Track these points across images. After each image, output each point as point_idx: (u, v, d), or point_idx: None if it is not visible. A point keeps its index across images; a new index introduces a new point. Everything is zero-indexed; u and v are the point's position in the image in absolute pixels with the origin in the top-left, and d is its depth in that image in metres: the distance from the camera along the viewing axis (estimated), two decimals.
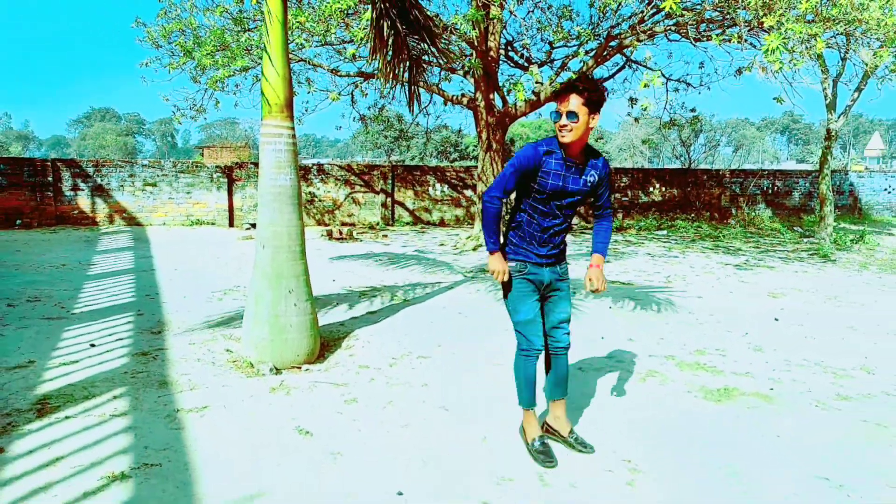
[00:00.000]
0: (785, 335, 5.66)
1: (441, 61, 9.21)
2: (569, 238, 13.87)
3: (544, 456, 3.10)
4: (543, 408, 3.60)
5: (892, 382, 4.41)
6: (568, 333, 3.27)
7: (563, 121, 2.89)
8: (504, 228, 3.22)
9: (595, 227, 3.34)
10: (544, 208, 3.06)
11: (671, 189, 17.71)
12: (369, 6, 8.40)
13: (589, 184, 3.06)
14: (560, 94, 2.92)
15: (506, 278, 3.09)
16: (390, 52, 4.96)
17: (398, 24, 4.90)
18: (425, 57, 5.58)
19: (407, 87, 5.39)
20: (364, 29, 8.64)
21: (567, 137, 2.90)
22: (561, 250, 3.21)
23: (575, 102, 2.87)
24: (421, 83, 5.68)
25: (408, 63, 5.19)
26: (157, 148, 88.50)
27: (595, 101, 2.90)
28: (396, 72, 5.11)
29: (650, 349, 5.12)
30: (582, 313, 6.36)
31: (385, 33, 4.89)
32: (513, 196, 3.19)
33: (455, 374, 4.43)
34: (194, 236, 12.96)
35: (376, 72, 11.70)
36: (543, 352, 3.25)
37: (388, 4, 4.82)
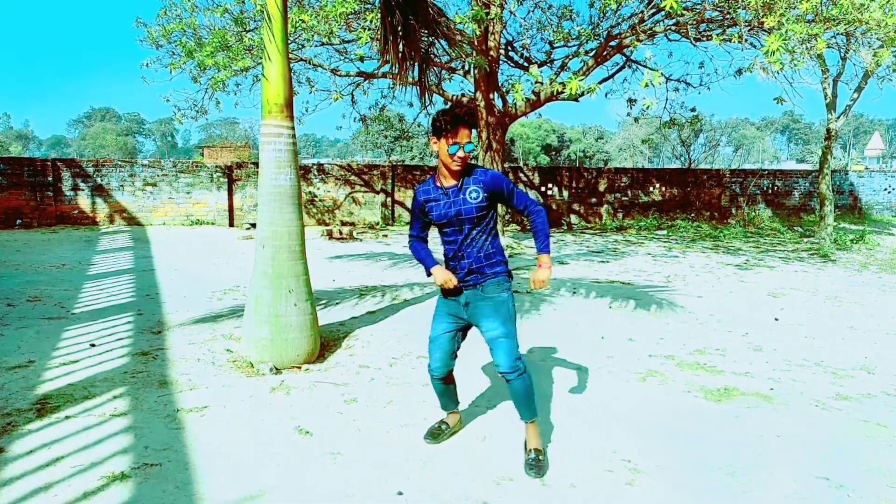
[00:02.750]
0: (785, 335, 5.66)
1: (451, 54, 9.19)
2: (568, 237, 13.87)
3: (428, 433, 3.36)
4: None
5: (892, 382, 4.41)
6: (508, 354, 2.98)
7: (461, 153, 2.93)
8: None
9: (532, 230, 3.13)
10: (444, 237, 3.14)
11: (671, 189, 17.71)
12: (374, 4, 8.41)
13: (472, 200, 3.00)
14: (450, 128, 2.92)
15: (455, 282, 3.08)
16: (402, 48, 4.95)
17: (405, 18, 4.89)
18: (430, 51, 5.57)
19: (418, 83, 5.42)
20: (367, 30, 8.64)
21: (461, 165, 2.98)
22: (481, 277, 3.06)
23: (466, 134, 2.93)
24: (430, 82, 5.67)
25: (416, 61, 5.19)
26: (157, 148, 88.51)
27: (474, 121, 2.99)
28: (408, 66, 5.10)
29: (650, 349, 5.12)
30: (582, 313, 6.36)
31: (396, 28, 4.87)
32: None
33: (455, 373, 4.42)
34: (194, 236, 12.96)
35: (380, 72, 11.71)
36: (443, 377, 3.23)
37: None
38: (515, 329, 3.09)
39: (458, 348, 3.26)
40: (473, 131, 2.97)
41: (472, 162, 3.02)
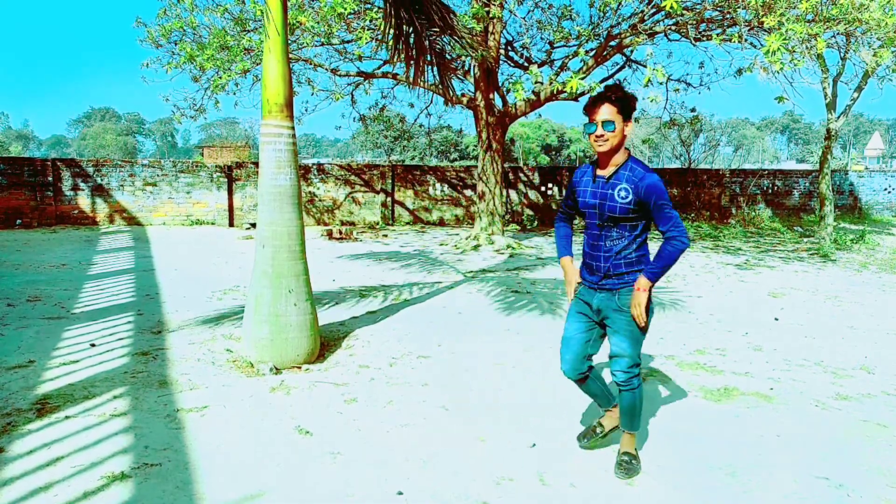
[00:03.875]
0: (785, 335, 5.66)
1: (463, 52, 9.18)
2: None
3: (582, 434, 3.26)
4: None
5: (892, 382, 4.41)
6: (625, 372, 2.93)
7: (599, 130, 2.78)
8: None
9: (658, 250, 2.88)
10: (587, 229, 3.00)
11: (671, 189, 17.70)
12: (373, 4, 8.39)
13: (620, 199, 2.79)
14: (592, 106, 2.82)
15: (571, 292, 3.08)
16: (413, 48, 4.95)
17: (414, 18, 4.88)
18: (444, 50, 5.58)
19: (439, 80, 5.43)
20: (367, 30, 8.64)
21: (604, 147, 2.81)
22: (619, 282, 2.90)
23: (610, 111, 2.77)
24: (445, 81, 5.67)
25: (430, 61, 5.20)
26: (157, 148, 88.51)
27: (626, 106, 2.80)
28: (421, 66, 5.10)
29: (650, 349, 5.12)
30: None
31: (401, 29, 4.87)
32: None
33: (455, 373, 4.43)
34: (194, 236, 12.96)
35: (380, 71, 11.70)
36: (578, 380, 3.11)
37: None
38: (641, 346, 2.98)
39: (596, 351, 3.09)
40: (609, 108, 2.75)
41: (636, 157, 2.88)
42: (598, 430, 3.23)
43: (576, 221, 3.36)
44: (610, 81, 12.16)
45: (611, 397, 3.22)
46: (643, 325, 2.88)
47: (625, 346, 2.92)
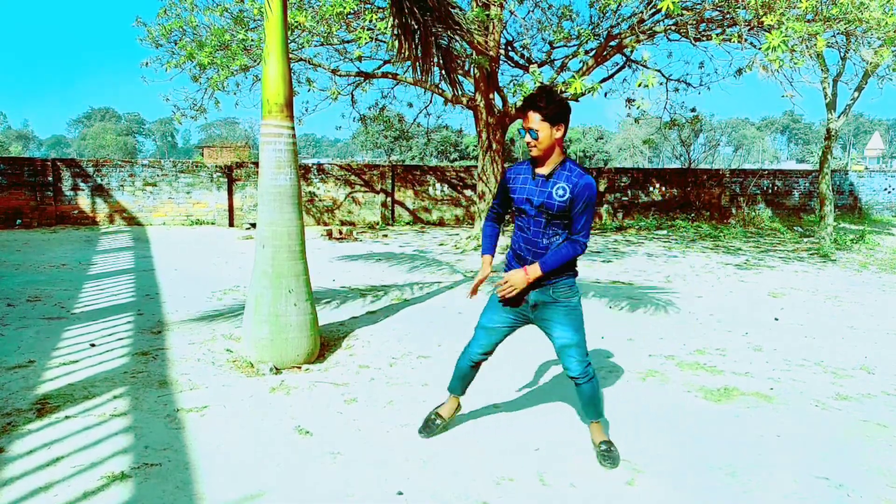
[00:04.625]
0: (785, 335, 5.66)
1: (470, 45, 9.18)
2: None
3: (423, 426, 3.39)
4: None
5: (892, 382, 4.41)
6: (579, 362, 3.03)
7: (528, 137, 2.90)
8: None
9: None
10: (519, 221, 3.10)
11: (671, 189, 17.71)
12: (373, 4, 8.38)
13: (557, 197, 2.89)
14: (521, 111, 2.96)
15: (481, 282, 3.16)
16: (417, 46, 4.95)
17: (420, 16, 4.88)
18: (451, 46, 5.58)
19: (447, 76, 5.44)
20: (367, 30, 8.63)
21: (533, 152, 2.93)
22: (553, 276, 3.01)
23: (535, 119, 2.87)
24: (456, 71, 5.68)
25: (438, 62, 5.20)
26: (157, 148, 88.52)
27: (553, 114, 2.86)
28: (430, 64, 5.10)
29: (650, 349, 5.12)
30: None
31: (411, 27, 4.87)
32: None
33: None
34: (194, 236, 12.96)
35: (379, 71, 11.70)
36: (477, 363, 3.25)
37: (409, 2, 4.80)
38: (585, 334, 3.09)
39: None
40: (535, 116, 2.85)
41: (573, 159, 2.99)
42: (439, 421, 3.39)
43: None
44: (609, 82, 12.18)
45: (466, 389, 3.39)
46: (501, 294, 3.03)
47: (569, 333, 3.03)
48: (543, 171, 2.97)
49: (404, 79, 11.74)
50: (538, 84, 9.89)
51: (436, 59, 5.21)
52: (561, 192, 2.90)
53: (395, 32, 4.92)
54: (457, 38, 5.51)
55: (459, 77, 11.63)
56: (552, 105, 2.86)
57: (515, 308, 3.12)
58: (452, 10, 5.01)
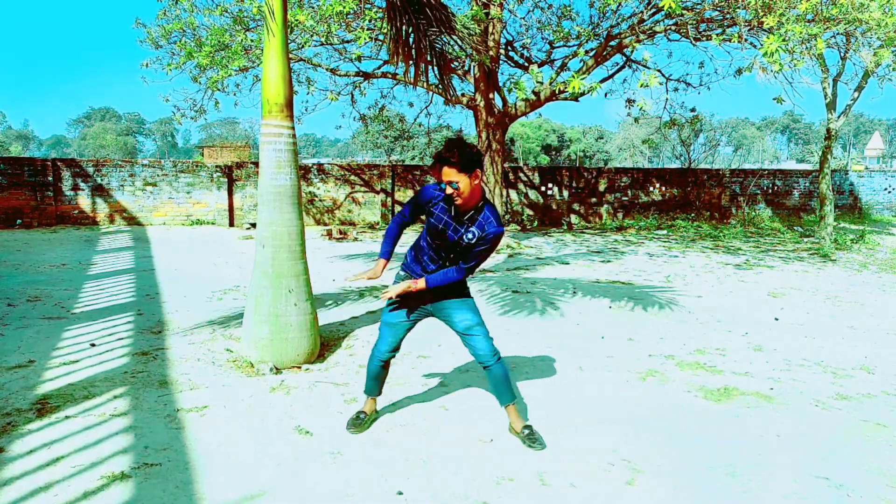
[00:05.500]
0: (785, 335, 5.66)
1: (465, 49, 9.20)
2: (568, 237, 13.87)
3: (350, 423, 3.49)
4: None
5: (892, 382, 4.42)
6: (485, 338, 3.27)
7: (448, 190, 3.05)
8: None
9: (447, 268, 3.29)
10: (431, 240, 3.27)
11: (671, 189, 17.70)
12: (382, 2, 8.37)
13: (466, 240, 3.15)
14: (433, 168, 3.10)
15: (367, 279, 3.36)
16: (412, 48, 4.95)
17: (414, 18, 4.88)
18: (445, 49, 5.58)
19: (440, 79, 5.45)
20: (366, 30, 8.63)
21: (458, 201, 3.08)
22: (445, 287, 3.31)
23: (451, 172, 3.01)
24: (446, 81, 5.69)
25: (431, 62, 5.20)
26: (157, 148, 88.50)
27: (467, 163, 3.00)
28: (422, 67, 5.10)
29: (650, 349, 5.12)
30: (582, 313, 6.36)
31: (403, 30, 4.87)
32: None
33: (455, 373, 4.43)
34: (194, 236, 12.96)
35: (379, 71, 11.71)
36: (386, 361, 3.46)
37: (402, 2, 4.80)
38: (483, 321, 3.34)
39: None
40: (450, 170, 3.01)
41: (490, 205, 3.22)
42: (363, 416, 3.52)
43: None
44: (609, 82, 12.17)
45: (382, 387, 3.58)
46: (388, 297, 3.27)
47: (469, 315, 3.29)
48: (462, 213, 3.16)
49: (404, 79, 11.75)
50: (538, 82, 9.89)
51: (430, 61, 5.21)
52: (470, 236, 3.16)
53: (392, 35, 4.92)
54: (452, 40, 5.49)
55: (459, 76, 11.66)
56: (463, 157, 2.99)
57: (409, 307, 3.37)
58: (438, 13, 5.00)
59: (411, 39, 4.95)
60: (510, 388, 3.34)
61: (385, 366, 3.49)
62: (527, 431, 3.32)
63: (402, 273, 3.43)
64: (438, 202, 3.20)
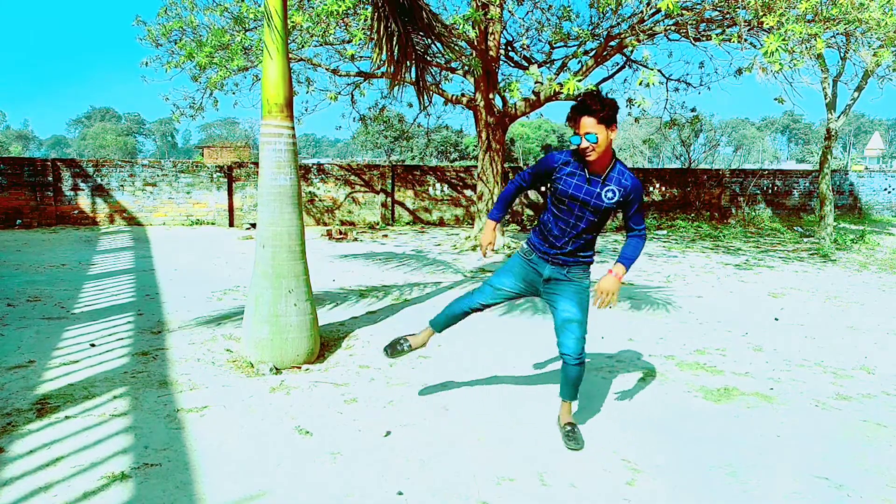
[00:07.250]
0: (785, 335, 5.66)
1: (446, 56, 9.23)
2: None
3: (389, 346, 3.66)
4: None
5: (892, 382, 4.42)
6: (578, 339, 3.21)
7: (584, 143, 2.94)
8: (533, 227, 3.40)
9: (626, 242, 3.28)
10: (558, 212, 3.18)
11: (671, 189, 17.70)
12: (369, 6, 8.39)
13: (606, 199, 3.06)
14: (570, 120, 2.98)
15: (486, 254, 3.34)
16: (396, 51, 4.97)
17: (399, 22, 4.90)
18: (427, 53, 5.59)
19: (415, 83, 5.45)
20: (363, 30, 8.63)
21: (591, 157, 2.98)
22: (573, 259, 3.23)
23: (590, 123, 2.91)
24: (427, 83, 5.71)
25: (414, 61, 5.21)
26: (157, 148, 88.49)
27: (609, 116, 2.93)
28: (405, 67, 5.12)
29: (650, 349, 5.12)
30: None
31: (388, 32, 4.88)
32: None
33: (455, 373, 4.43)
34: (194, 236, 12.96)
35: (378, 72, 11.71)
36: (473, 310, 3.47)
37: (388, 4, 4.82)
38: (588, 317, 3.26)
39: (493, 304, 3.46)
40: (590, 120, 2.90)
41: (620, 160, 3.12)
42: (406, 346, 3.63)
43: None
44: (609, 82, 12.18)
45: (446, 328, 3.61)
46: (602, 307, 3.19)
47: (575, 309, 3.21)
48: (597, 172, 3.06)
49: (401, 80, 11.74)
50: (537, 82, 9.89)
51: (411, 63, 5.22)
52: (610, 194, 3.05)
53: (379, 35, 4.93)
54: (436, 44, 5.49)
55: (460, 78, 11.66)
56: (606, 107, 2.91)
57: (528, 281, 3.31)
58: (429, 18, 5.02)
59: (395, 40, 4.96)
60: (576, 389, 3.35)
61: (468, 314, 3.50)
62: (568, 429, 3.33)
63: (525, 247, 3.35)
64: (567, 165, 3.10)
